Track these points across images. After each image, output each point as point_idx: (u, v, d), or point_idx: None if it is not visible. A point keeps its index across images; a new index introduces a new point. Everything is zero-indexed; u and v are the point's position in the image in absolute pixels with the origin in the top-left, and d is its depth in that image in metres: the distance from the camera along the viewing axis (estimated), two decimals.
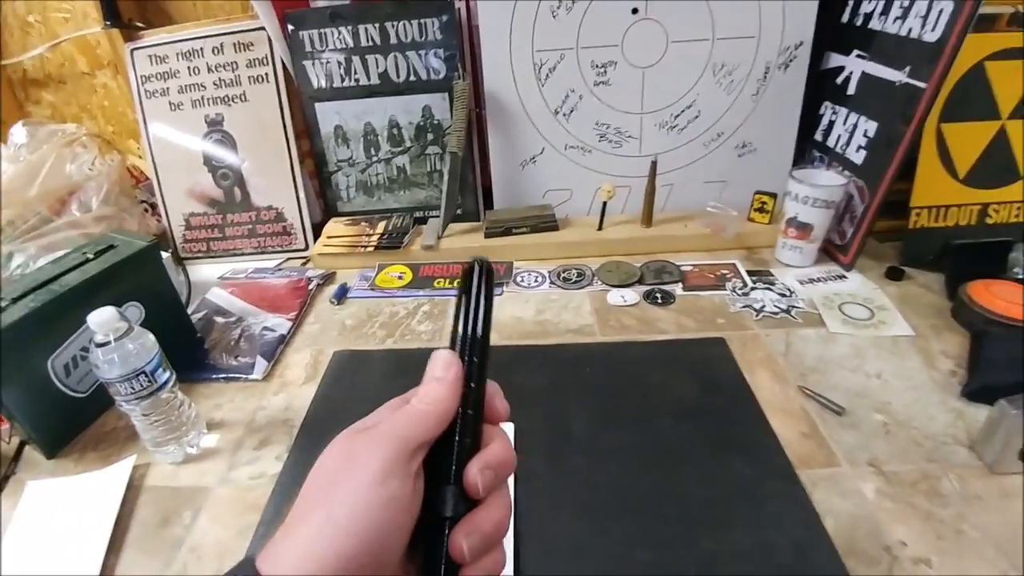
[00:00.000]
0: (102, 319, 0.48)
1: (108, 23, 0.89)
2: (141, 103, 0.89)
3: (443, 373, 0.24)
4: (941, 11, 0.62)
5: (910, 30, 0.66)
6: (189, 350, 0.67)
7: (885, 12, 0.70)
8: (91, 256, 0.60)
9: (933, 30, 0.63)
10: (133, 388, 0.49)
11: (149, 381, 0.49)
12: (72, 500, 0.51)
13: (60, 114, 1.03)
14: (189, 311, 0.74)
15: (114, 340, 0.48)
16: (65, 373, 0.56)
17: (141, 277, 0.63)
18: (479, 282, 0.25)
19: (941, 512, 0.43)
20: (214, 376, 0.64)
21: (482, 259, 0.26)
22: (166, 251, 0.77)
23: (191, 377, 0.63)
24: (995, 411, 0.46)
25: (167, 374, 0.51)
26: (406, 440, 0.22)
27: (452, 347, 0.25)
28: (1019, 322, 0.59)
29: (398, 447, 0.22)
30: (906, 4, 0.67)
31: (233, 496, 0.50)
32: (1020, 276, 0.68)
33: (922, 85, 0.64)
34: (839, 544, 0.41)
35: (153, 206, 0.94)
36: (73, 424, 0.58)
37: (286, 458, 0.53)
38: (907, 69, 0.66)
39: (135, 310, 0.62)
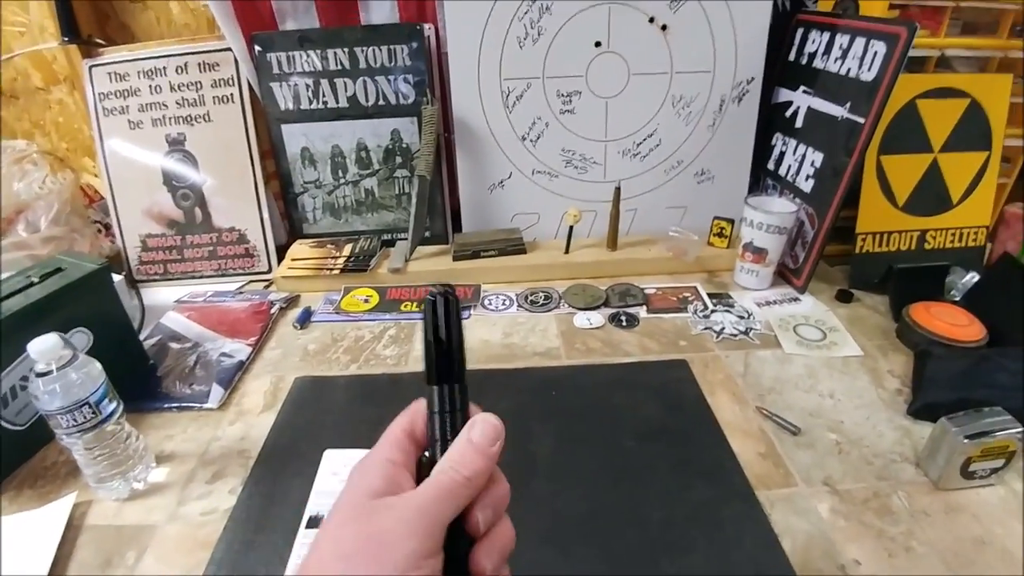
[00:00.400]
0: (44, 347, 0.45)
1: (66, 39, 0.87)
2: (98, 120, 0.87)
3: (487, 446, 0.23)
4: (876, 53, 0.67)
5: (849, 69, 0.71)
6: (140, 378, 0.64)
7: (827, 52, 0.76)
8: (36, 280, 0.57)
9: (869, 70, 0.68)
10: (75, 420, 0.46)
11: (93, 413, 0.47)
12: (6, 542, 0.47)
13: (11, 130, 0.99)
14: (142, 337, 0.71)
15: (56, 369, 0.46)
16: (2, 404, 0.53)
17: (90, 302, 0.60)
18: (450, 312, 0.24)
19: (892, 530, 0.45)
20: (166, 406, 0.61)
21: (446, 288, 0.24)
22: (119, 274, 0.74)
23: (142, 407, 0.60)
24: (937, 429, 0.48)
25: (113, 405, 0.49)
26: (441, 517, 0.21)
27: (428, 381, 0.24)
28: (958, 342, 0.63)
29: (433, 525, 0.21)
30: (845, 45, 0.72)
31: (182, 533, 0.47)
32: (957, 298, 0.73)
33: (861, 120, 0.69)
34: (796, 564, 0.42)
35: (107, 227, 0.91)
36: (10, 459, 0.54)
37: (240, 491, 0.50)
38: (847, 105, 0.71)
39: (82, 336, 0.59)
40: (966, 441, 0.45)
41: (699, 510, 0.46)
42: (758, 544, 0.43)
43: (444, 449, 0.24)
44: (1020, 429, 0.45)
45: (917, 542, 0.44)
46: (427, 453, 0.25)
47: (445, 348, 0.24)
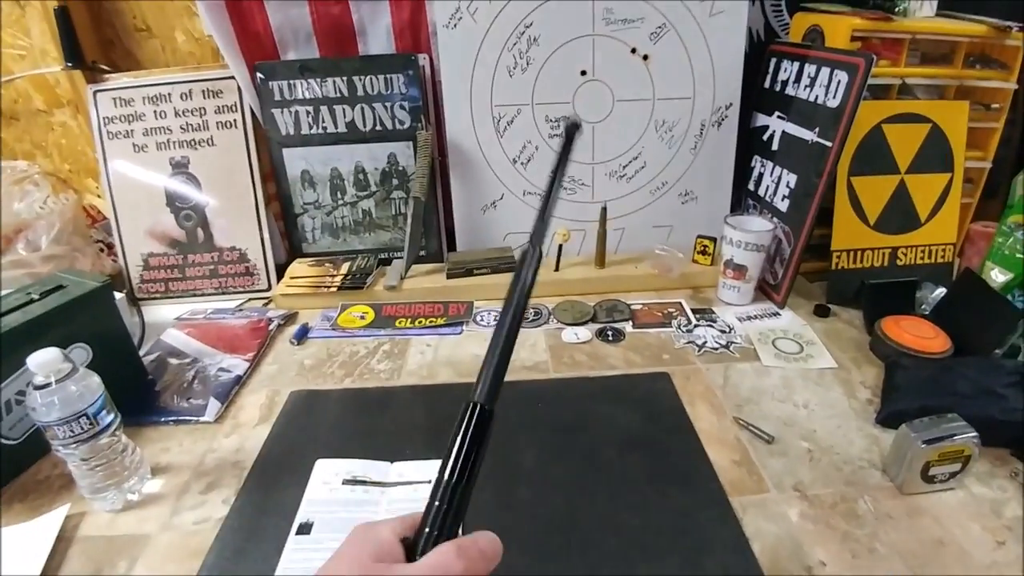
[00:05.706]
0: (43, 360, 0.46)
1: (69, 64, 0.90)
2: (102, 143, 0.90)
3: (491, 557, 0.24)
4: (839, 81, 0.72)
5: (817, 96, 0.76)
6: (139, 393, 0.66)
7: (797, 80, 0.80)
8: (36, 297, 0.58)
9: (834, 97, 0.72)
10: (73, 431, 0.47)
11: (91, 424, 0.48)
12: None
13: (11, 151, 1.01)
14: (142, 353, 0.73)
15: (55, 382, 0.47)
16: None
17: (90, 318, 0.61)
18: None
19: (857, 532, 0.47)
20: (164, 419, 0.63)
21: (481, 405, 0.26)
22: (120, 291, 0.77)
23: (140, 421, 0.62)
24: (899, 435, 0.51)
25: (111, 416, 0.50)
26: None
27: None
28: (924, 354, 0.66)
29: None
30: (812, 74, 0.77)
31: (174, 543, 0.49)
32: (927, 312, 0.76)
33: (829, 144, 0.73)
34: (765, 565, 0.44)
35: (110, 246, 0.93)
36: (2, 473, 0.55)
37: (233, 501, 0.52)
38: (816, 130, 0.76)
39: (82, 352, 0.60)
40: (924, 445, 0.48)
41: (674, 517, 0.49)
42: (728, 548, 0.45)
43: (430, 542, 0.24)
44: (974, 433, 0.48)
45: (880, 543, 0.46)
46: (409, 537, 0.25)
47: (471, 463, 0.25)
